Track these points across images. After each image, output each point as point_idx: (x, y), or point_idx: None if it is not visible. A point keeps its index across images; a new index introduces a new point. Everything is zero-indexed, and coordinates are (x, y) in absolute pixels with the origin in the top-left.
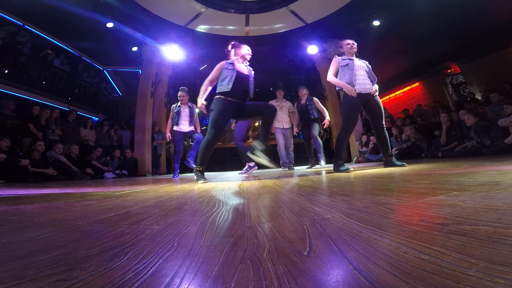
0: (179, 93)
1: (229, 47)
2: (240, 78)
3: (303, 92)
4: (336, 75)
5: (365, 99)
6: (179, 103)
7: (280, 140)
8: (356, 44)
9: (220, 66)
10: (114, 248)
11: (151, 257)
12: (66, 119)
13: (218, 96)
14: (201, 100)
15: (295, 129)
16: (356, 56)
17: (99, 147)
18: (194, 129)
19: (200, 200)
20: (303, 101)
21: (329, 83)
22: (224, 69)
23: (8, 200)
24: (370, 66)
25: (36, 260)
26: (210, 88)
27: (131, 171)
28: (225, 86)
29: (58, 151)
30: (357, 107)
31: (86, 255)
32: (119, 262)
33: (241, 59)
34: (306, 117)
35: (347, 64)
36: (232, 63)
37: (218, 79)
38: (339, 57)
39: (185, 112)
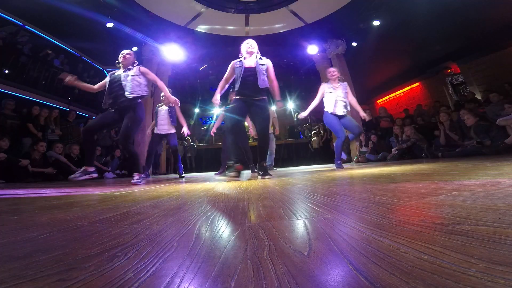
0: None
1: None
2: (247, 73)
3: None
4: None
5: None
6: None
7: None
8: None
9: (231, 65)
10: (114, 248)
11: (151, 257)
12: (67, 119)
13: (232, 97)
14: (216, 97)
15: (277, 130)
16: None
17: (99, 147)
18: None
19: (200, 200)
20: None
21: None
22: (235, 67)
23: (8, 200)
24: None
25: (36, 260)
26: (226, 86)
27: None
28: (235, 84)
29: (58, 151)
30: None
31: (86, 255)
32: (119, 262)
33: (247, 54)
34: None
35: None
36: (240, 61)
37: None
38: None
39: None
